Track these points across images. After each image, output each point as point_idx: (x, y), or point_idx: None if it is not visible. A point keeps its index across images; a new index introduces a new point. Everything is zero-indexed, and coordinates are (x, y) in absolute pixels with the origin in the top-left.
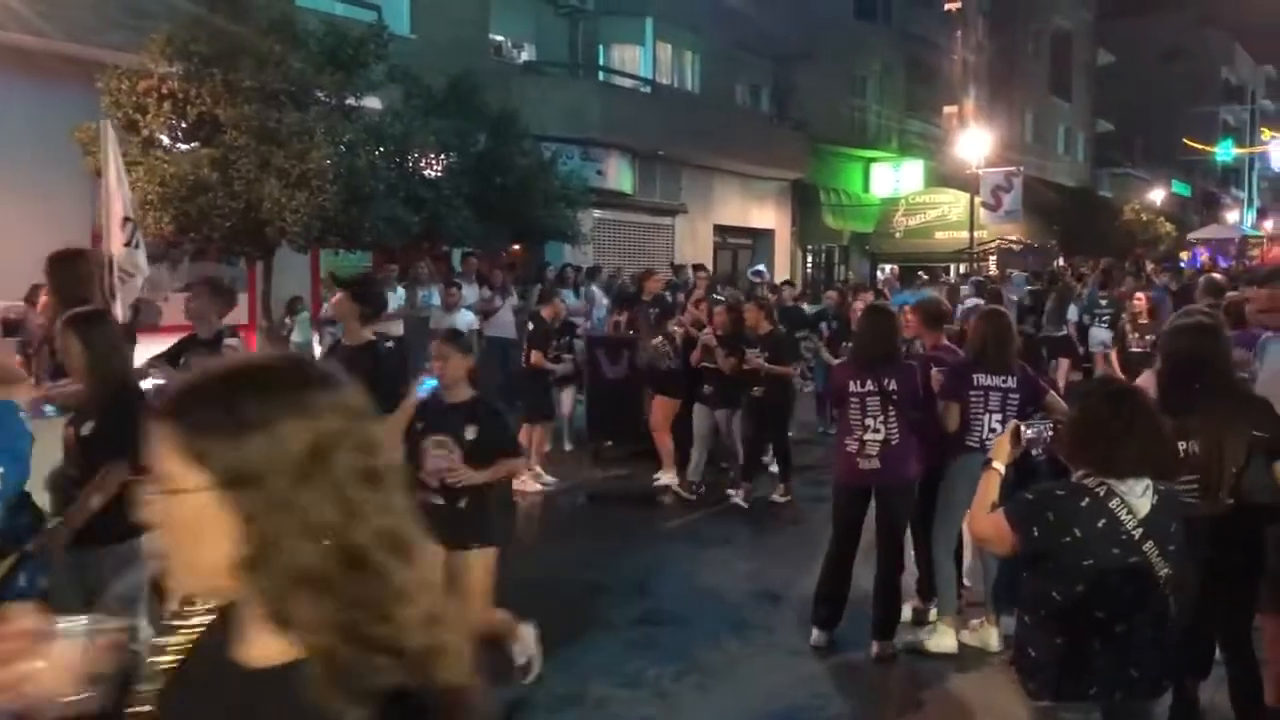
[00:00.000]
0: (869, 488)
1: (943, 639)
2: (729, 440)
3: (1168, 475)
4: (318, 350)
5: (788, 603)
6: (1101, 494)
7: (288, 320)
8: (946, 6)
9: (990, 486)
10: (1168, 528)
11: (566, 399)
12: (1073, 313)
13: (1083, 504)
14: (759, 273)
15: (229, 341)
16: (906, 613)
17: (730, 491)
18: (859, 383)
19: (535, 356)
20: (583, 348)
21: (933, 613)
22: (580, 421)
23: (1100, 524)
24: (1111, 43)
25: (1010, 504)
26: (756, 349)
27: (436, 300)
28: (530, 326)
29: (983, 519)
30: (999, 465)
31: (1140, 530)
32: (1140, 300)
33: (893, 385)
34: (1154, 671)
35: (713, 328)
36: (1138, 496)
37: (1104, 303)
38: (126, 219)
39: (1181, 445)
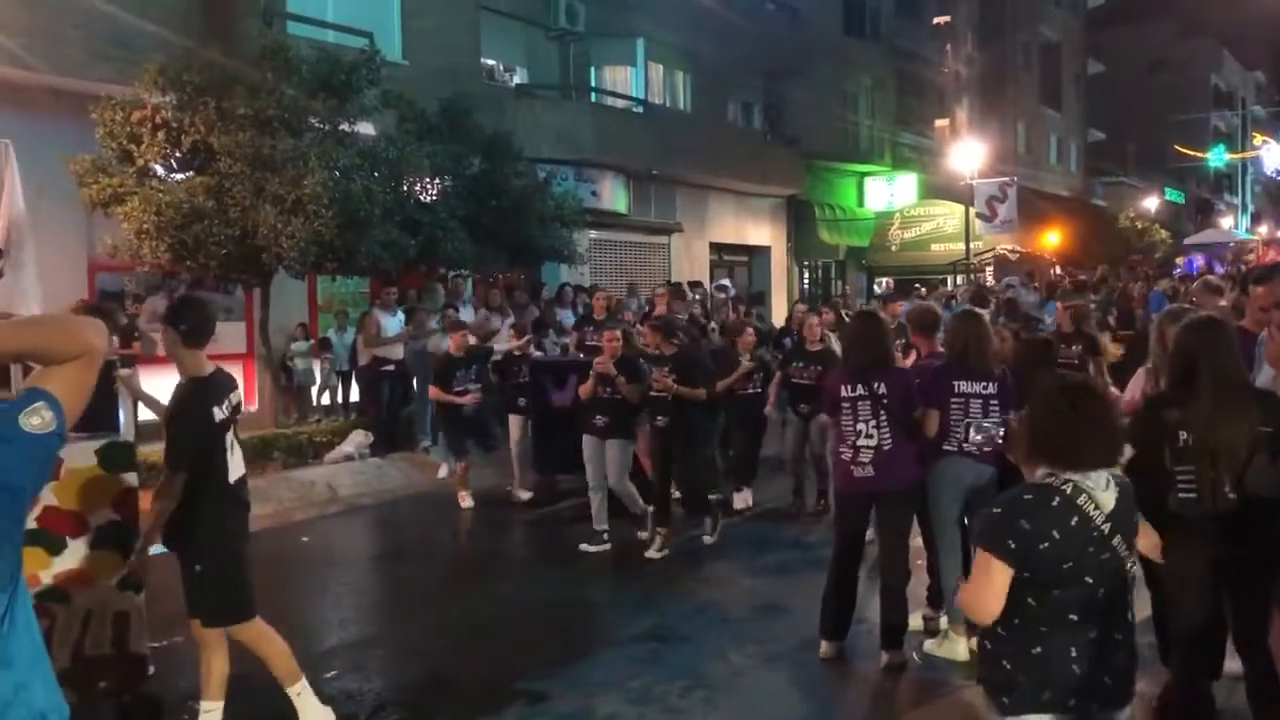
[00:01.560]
0: (867, 495)
1: (954, 647)
2: (618, 482)
3: (1116, 459)
4: (317, 378)
5: (794, 615)
6: (1069, 491)
7: (292, 347)
8: (935, 20)
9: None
10: (1131, 520)
11: (515, 427)
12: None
13: (1054, 504)
14: (723, 287)
15: (121, 371)
16: (917, 621)
17: (642, 535)
18: (849, 388)
19: (433, 391)
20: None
21: (943, 620)
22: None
23: (1074, 522)
24: (1100, 52)
25: (977, 536)
26: (665, 369)
27: (496, 322)
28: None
29: (982, 592)
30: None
31: (1109, 525)
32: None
33: (882, 389)
34: (1125, 677)
35: (604, 355)
36: (1103, 490)
37: (1094, 305)
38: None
39: (1182, 436)
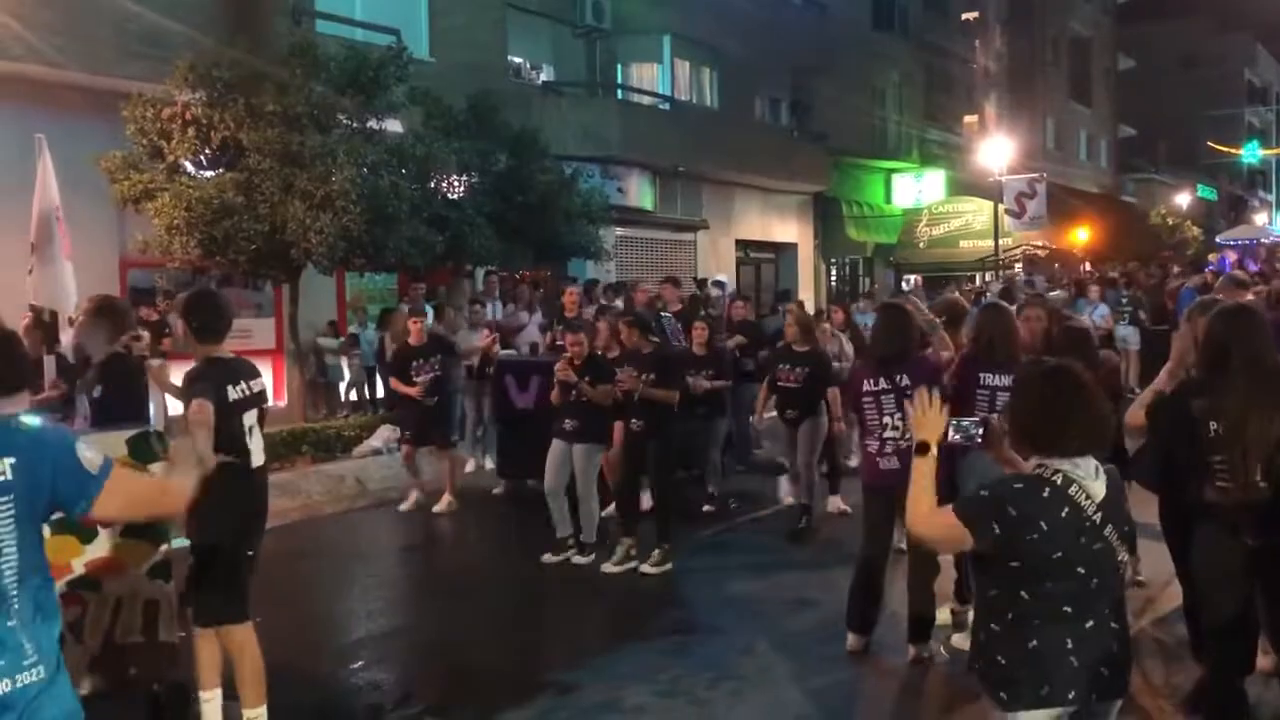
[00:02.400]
0: (893, 488)
1: None
2: (583, 486)
3: (1107, 442)
4: (346, 374)
5: (821, 609)
6: (1059, 482)
7: (320, 341)
8: (964, 16)
9: (924, 476)
10: (1121, 510)
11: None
12: (1103, 309)
13: (1044, 495)
14: (720, 284)
15: (151, 363)
16: (944, 615)
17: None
18: (872, 381)
19: (393, 382)
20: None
21: (970, 615)
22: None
23: (1064, 513)
24: (1131, 48)
25: (961, 502)
26: (635, 371)
27: (524, 318)
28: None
29: (927, 518)
30: (933, 448)
31: (1100, 515)
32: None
33: (905, 381)
34: (1121, 667)
35: (568, 358)
36: (1093, 479)
37: (1125, 301)
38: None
39: (1212, 426)
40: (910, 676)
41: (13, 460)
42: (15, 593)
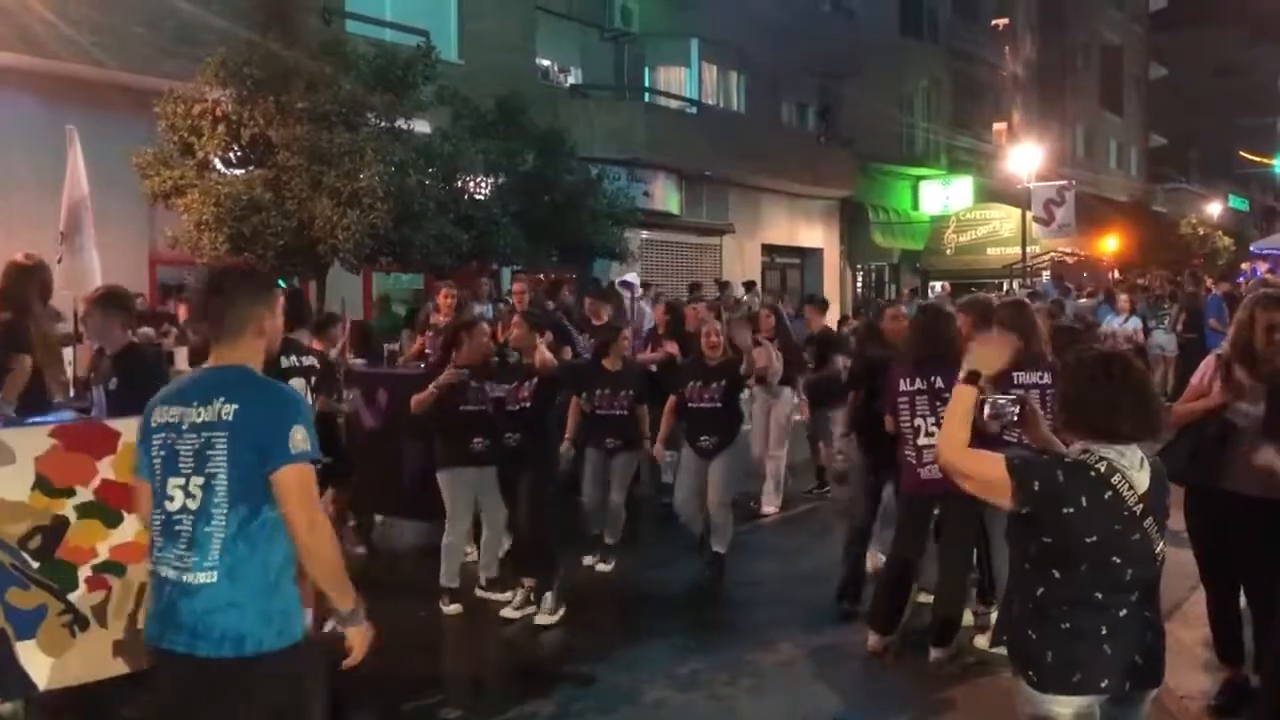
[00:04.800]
0: (936, 497)
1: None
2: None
3: (1159, 432)
4: None
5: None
6: (1102, 469)
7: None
8: (994, 22)
9: (964, 405)
10: (1163, 503)
11: None
12: (1135, 321)
13: (1089, 477)
14: (626, 284)
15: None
16: (967, 616)
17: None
18: (908, 380)
19: (320, 400)
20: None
21: (993, 616)
22: None
23: (1106, 496)
24: (1163, 56)
25: (1012, 454)
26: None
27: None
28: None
29: (963, 450)
30: (981, 382)
31: (1141, 506)
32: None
33: (940, 383)
34: (1157, 656)
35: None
36: (1137, 469)
37: (1165, 308)
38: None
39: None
40: (932, 676)
41: (235, 406)
42: (223, 510)
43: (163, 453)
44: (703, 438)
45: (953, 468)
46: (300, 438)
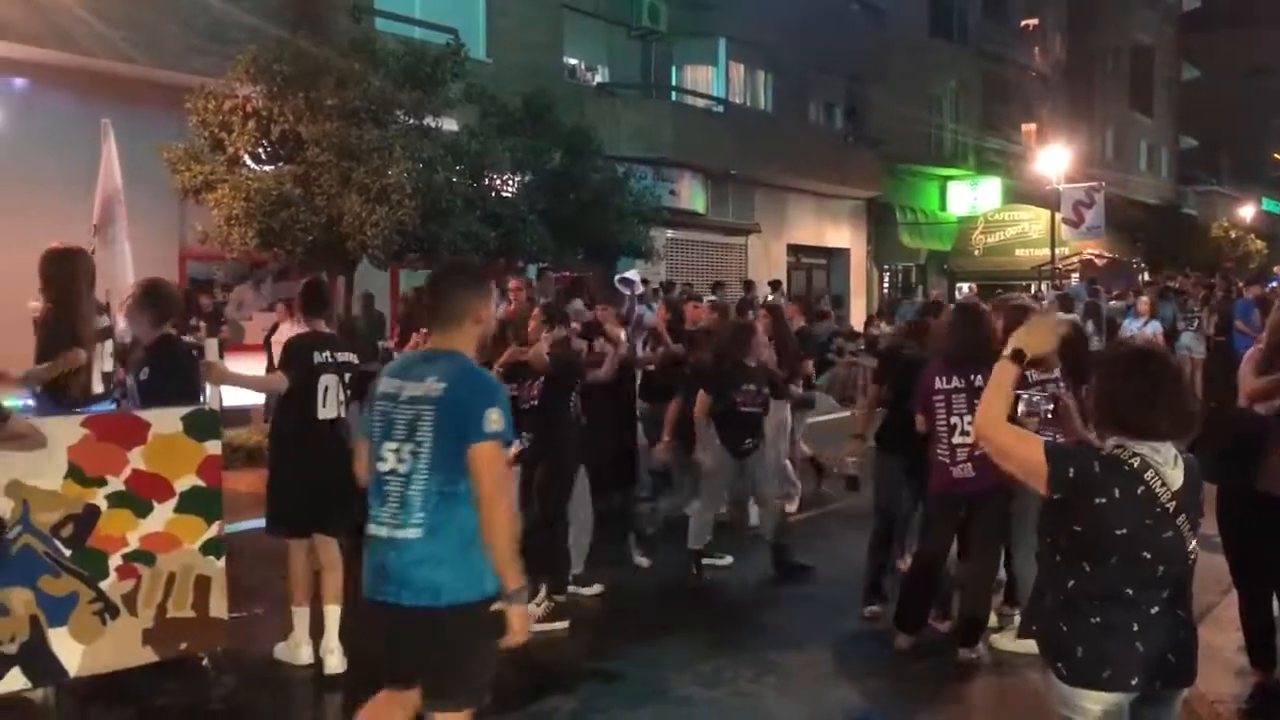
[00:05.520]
0: (965, 496)
1: (1029, 642)
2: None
3: (1192, 430)
4: None
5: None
6: (1136, 465)
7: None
8: (1024, 23)
9: (1006, 381)
10: (1197, 501)
11: None
12: (1155, 325)
13: (1123, 471)
14: (626, 281)
15: (207, 360)
16: (991, 617)
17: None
18: (945, 379)
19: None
20: None
21: (1017, 618)
22: None
23: (1138, 491)
24: (1195, 57)
25: (1049, 441)
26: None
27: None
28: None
29: (1002, 426)
30: (1025, 360)
31: (1174, 504)
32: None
33: (979, 381)
34: (1189, 654)
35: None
36: (1171, 467)
37: (1193, 310)
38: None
39: None
40: (957, 676)
41: (444, 386)
42: (426, 475)
43: (382, 419)
44: (747, 441)
45: (990, 440)
46: (495, 418)
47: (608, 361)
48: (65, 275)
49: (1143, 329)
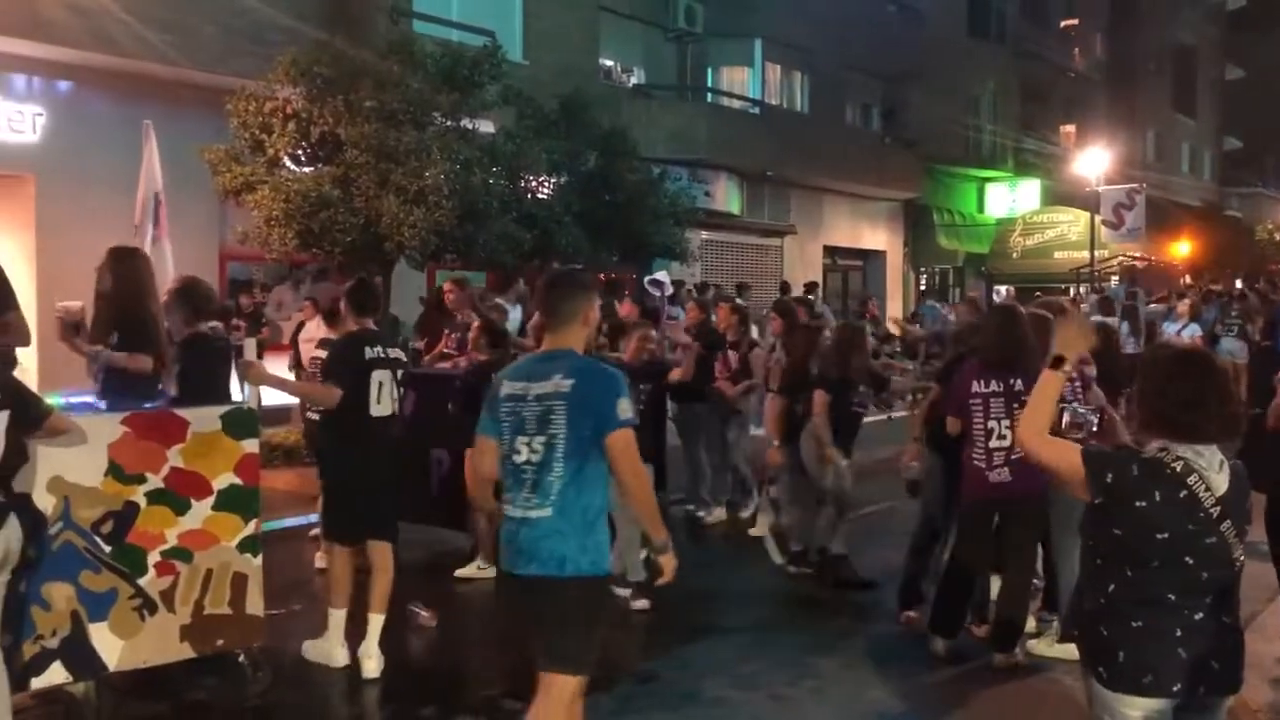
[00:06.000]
0: (1002, 501)
1: (1067, 647)
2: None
3: (1237, 432)
4: None
5: None
6: (1179, 468)
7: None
8: (1063, 23)
9: (1051, 391)
10: (1243, 507)
11: None
12: (1194, 328)
13: (1165, 474)
14: (656, 283)
15: (246, 360)
16: (1030, 622)
17: None
18: (983, 382)
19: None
20: None
21: (1056, 623)
22: None
23: (1180, 495)
24: (1240, 57)
25: (1089, 446)
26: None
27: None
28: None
29: (1043, 435)
30: (1067, 366)
31: (1218, 509)
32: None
33: (1019, 385)
34: (1235, 661)
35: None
36: (1215, 472)
37: (1234, 314)
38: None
39: None
40: (994, 680)
41: (572, 381)
42: (560, 463)
43: (510, 418)
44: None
45: (1031, 451)
46: (624, 407)
47: (687, 360)
48: (130, 271)
49: (1181, 332)
